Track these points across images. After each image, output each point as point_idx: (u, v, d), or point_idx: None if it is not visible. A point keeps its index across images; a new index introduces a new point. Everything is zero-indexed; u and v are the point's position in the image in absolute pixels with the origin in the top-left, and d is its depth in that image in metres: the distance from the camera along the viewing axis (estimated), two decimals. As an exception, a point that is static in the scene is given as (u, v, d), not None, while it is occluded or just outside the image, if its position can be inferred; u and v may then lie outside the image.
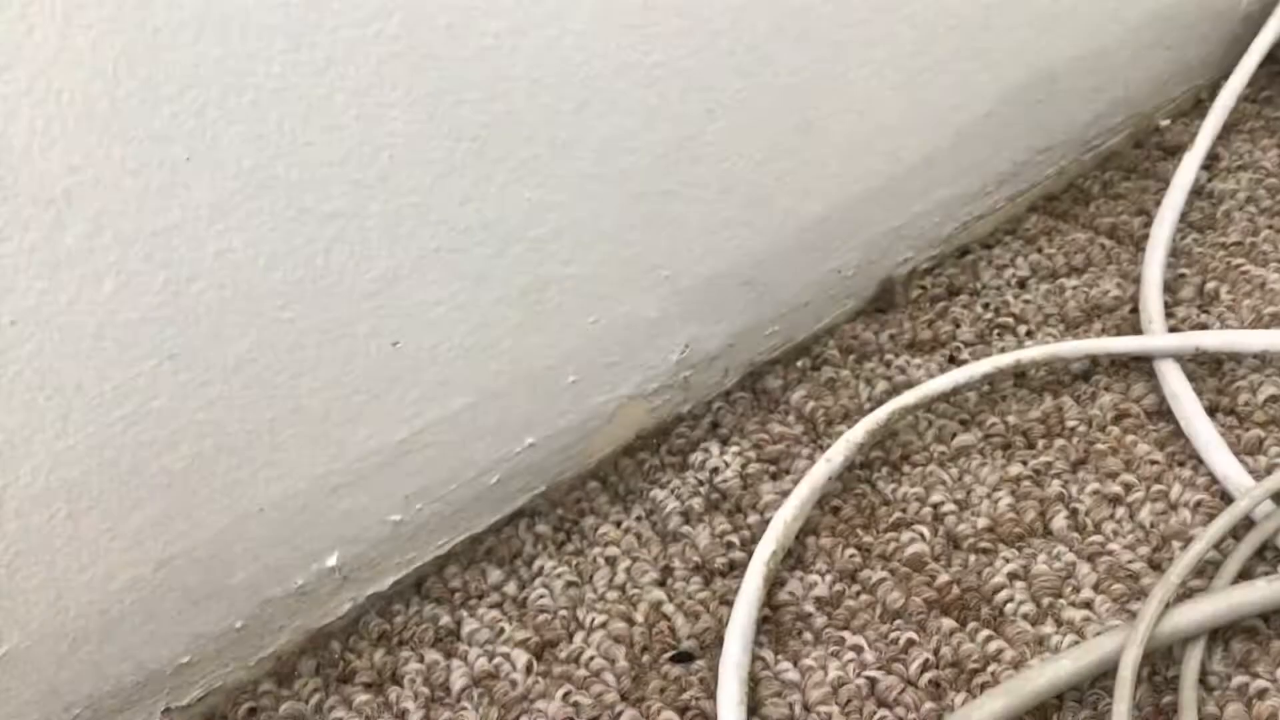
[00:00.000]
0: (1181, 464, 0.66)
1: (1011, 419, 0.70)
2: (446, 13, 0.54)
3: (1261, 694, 0.54)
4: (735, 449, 0.70)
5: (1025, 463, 0.67)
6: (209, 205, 0.51)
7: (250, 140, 0.51)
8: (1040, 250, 0.83)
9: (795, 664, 0.58)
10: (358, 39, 0.52)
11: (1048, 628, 0.58)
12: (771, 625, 0.60)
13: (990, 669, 0.56)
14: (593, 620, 0.61)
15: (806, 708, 0.56)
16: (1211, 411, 0.68)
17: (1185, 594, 0.57)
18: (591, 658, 0.59)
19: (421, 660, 0.60)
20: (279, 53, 0.50)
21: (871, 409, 0.69)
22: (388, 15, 0.52)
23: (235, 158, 0.50)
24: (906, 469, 0.67)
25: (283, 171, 0.52)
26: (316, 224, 0.54)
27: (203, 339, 0.53)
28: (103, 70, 0.46)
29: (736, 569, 0.63)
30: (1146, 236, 0.81)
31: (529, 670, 0.59)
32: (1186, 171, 0.85)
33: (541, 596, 0.63)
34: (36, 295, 0.48)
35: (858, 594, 0.61)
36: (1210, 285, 0.77)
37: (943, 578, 0.61)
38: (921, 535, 0.63)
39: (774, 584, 0.61)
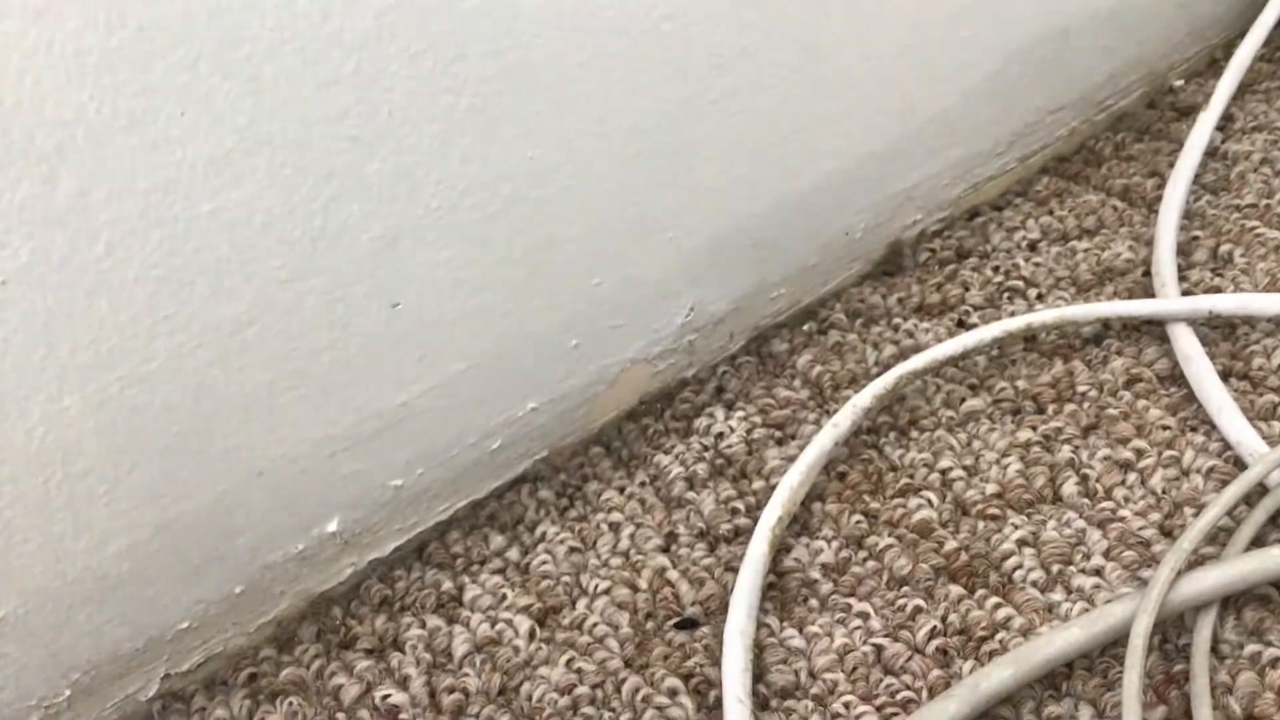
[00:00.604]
0: (1194, 429, 0.65)
1: (1021, 384, 0.69)
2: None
3: (1274, 663, 0.53)
4: (740, 414, 0.69)
5: (1035, 428, 0.66)
6: (204, 162, 0.50)
7: (246, 95, 0.49)
8: (1051, 212, 0.81)
9: (801, 631, 0.57)
10: (356, -7, 0.50)
11: (1057, 595, 0.57)
12: (777, 592, 0.59)
13: (999, 636, 0.56)
14: (596, 586, 0.60)
15: (812, 675, 0.55)
16: (1225, 376, 0.67)
17: (1197, 561, 0.56)
18: (595, 624, 0.59)
19: (423, 626, 0.60)
20: (274, 5, 0.49)
21: (879, 373, 0.68)
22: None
23: (231, 113, 0.49)
24: (914, 434, 0.67)
25: (279, 128, 0.51)
26: (314, 182, 0.53)
27: (199, 300, 0.52)
28: (94, 21, 0.45)
29: (741, 535, 0.62)
30: (1159, 198, 0.80)
31: (532, 637, 0.58)
32: (1200, 132, 0.84)
33: (544, 562, 0.62)
34: (29, 254, 0.47)
35: (864, 560, 0.60)
36: (1224, 248, 0.76)
37: (951, 544, 0.60)
38: (929, 501, 0.62)
39: (779, 550, 0.61)
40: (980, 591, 0.58)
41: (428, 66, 0.54)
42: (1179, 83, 0.93)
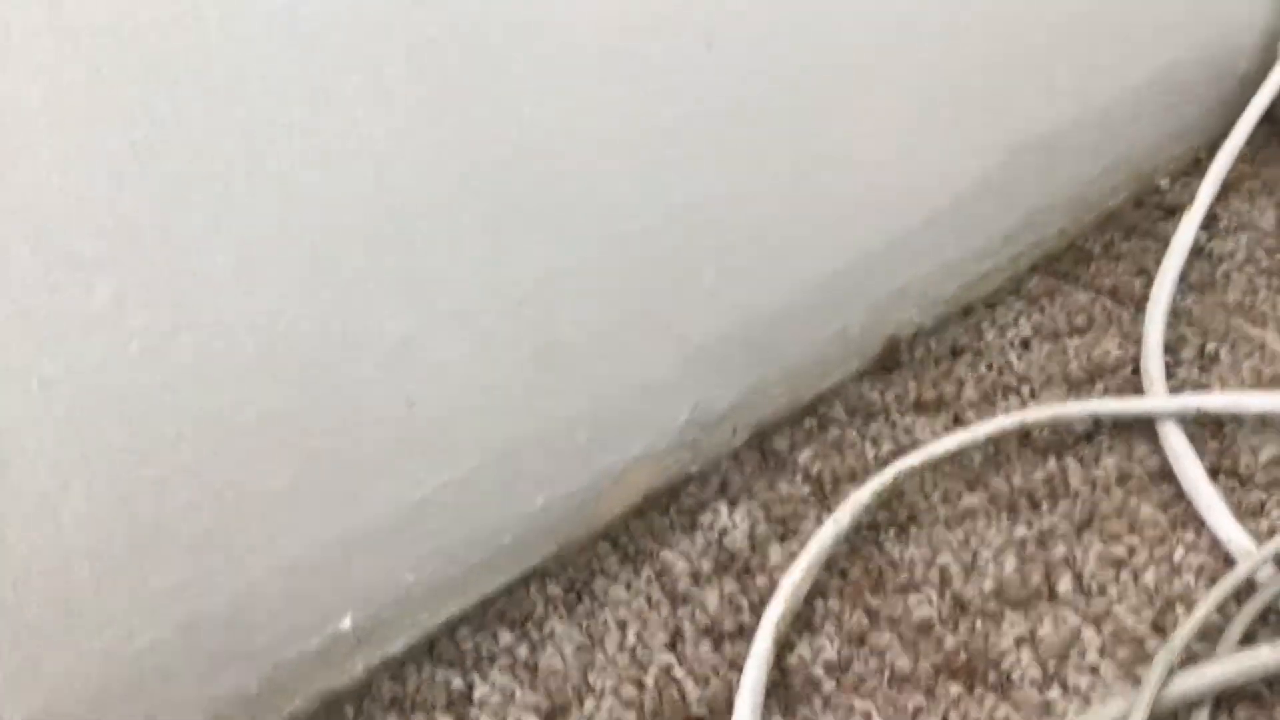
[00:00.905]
0: (1185, 526, 0.67)
1: (1016, 480, 0.71)
2: (462, 80, 0.55)
3: (1266, 761, 0.54)
4: (744, 510, 0.71)
5: (1030, 524, 0.68)
6: (232, 268, 0.52)
7: (273, 203, 0.51)
8: (1042, 310, 0.84)
9: (805, 728, 0.58)
10: (375, 108, 0.52)
11: (1054, 693, 0.59)
12: (781, 690, 0.60)
13: (998, 734, 0.57)
14: (603, 684, 0.61)
15: (816, 772, 0.57)
16: (1213, 473, 0.69)
17: (1189, 658, 0.58)
18: (603, 721, 0.60)
19: (434, 722, 0.61)
20: (300, 119, 0.51)
21: (878, 470, 0.70)
22: (406, 84, 0.53)
23: (259, 222, 0.51)
24: (913, 530, 0.68)
25: (304, 235, 0.53)
26: (338, 286, 0.55)
27: (225, 401, 0.54)
28: (131, 138, 0.47)
29: (746, 632, 0.63)
30: (1147, 297, 0.83)
31: (541, 733, 0.60)
32: (1185, 232, 0.87)
33: (552, 659, 0.63)
34: (65, 358, 0.49)
35: (866, 658, 0.61)
36: (1211, 346, 0.78)
37: (950, 642, 0.61)
38: (929, 599, 0.64)
39: (783, 647, 0.62)
40: (979, 690, 0.59)
41: (443, 177, 0.56)
42: (1164, 183, 0.97)
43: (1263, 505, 0.67)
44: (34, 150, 0.45)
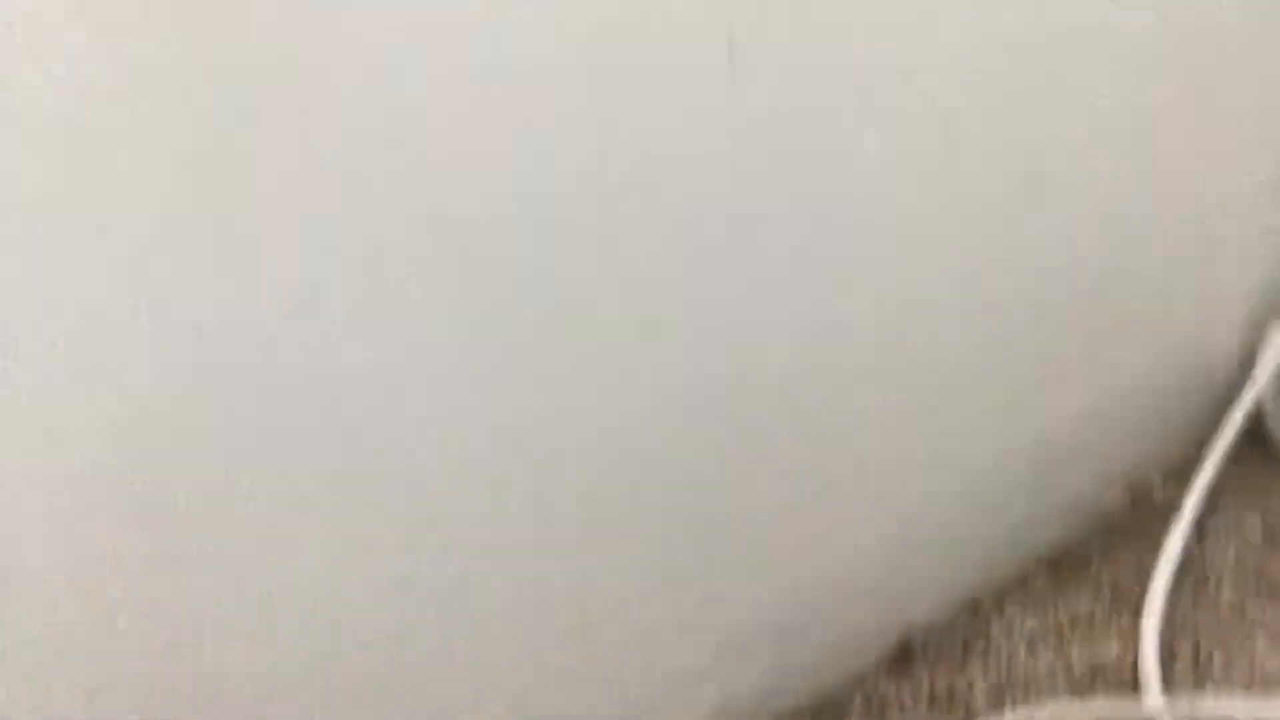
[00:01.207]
0: (1187, 830, 0.70)
1: (1024, 779, 0.75)
2: (499, 416, 0.62)
3: None
4: (767, 802, 0.74)
5: (1039, 826, 0.71)
6: (309, 569, 0.58)
7: (351, 505, 0.58)
8: (1045, 609, 0.89)
9: None
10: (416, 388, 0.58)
11: None
12: None
13: None
14: None
15: None
16: (1211, 776, 0.73)
17: None
18: None
19: None
20: (369, 424, 0.57)
21: (895, 766, 0.74)
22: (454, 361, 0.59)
23: (340, 524, 0.58)
24: (928, 831, 0.72)
25: (381, 547, 0.59)
26: (380, 576, 0.60)
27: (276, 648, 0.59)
28: (170, 467, 0.52)
29: None
30: (1144, 598, 0.88)
31: None
32: (1177, 537, 0.92)
33: None
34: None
35: None
36: (1204, 650, 0.83)
37: None
38: None
39: None
40: None
41: (491, 479, 0.62)
42: (1157, 480, 1.01)
43: (1258, 812, 0.71)
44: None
